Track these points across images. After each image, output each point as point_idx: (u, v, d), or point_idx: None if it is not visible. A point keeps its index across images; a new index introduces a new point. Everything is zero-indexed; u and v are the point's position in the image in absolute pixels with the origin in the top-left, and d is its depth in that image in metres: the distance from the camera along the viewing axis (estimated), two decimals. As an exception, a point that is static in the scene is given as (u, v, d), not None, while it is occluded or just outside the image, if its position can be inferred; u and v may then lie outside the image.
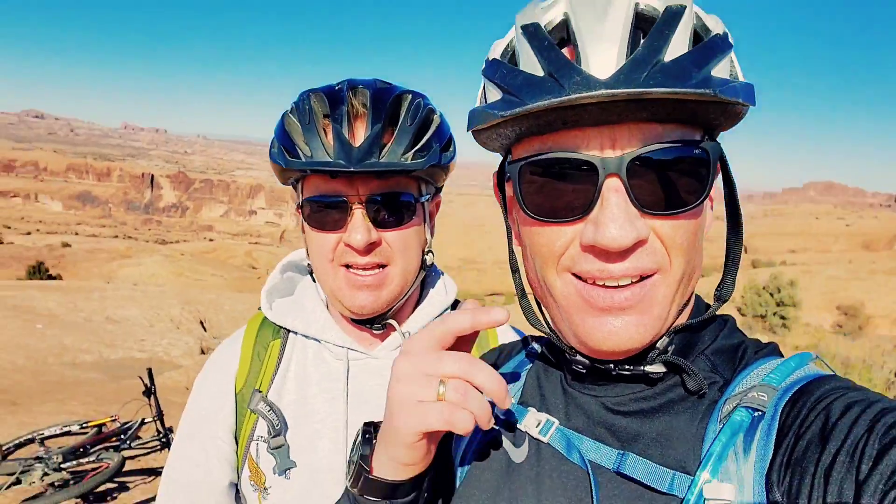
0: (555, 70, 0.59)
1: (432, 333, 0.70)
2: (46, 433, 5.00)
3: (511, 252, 0.79)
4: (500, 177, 0.75)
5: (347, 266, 1.05)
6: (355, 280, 1.05)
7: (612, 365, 0.70)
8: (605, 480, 0.67)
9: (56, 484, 4.09)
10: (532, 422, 0.77)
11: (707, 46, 0.60)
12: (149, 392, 4.89)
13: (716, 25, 0.64)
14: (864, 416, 0.57)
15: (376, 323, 1.13)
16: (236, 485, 1.16)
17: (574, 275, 0.66)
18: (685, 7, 0.62)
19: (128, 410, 5.43)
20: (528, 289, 0.78)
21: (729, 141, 0.73)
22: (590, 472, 0.68)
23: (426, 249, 1.12)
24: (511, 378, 0.87)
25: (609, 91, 0.56)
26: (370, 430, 0.79)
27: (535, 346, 0.90)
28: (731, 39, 0.63)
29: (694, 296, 0.73)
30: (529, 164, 0.65)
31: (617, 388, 0.71)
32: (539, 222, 0.66)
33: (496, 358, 0.95)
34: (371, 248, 1.03)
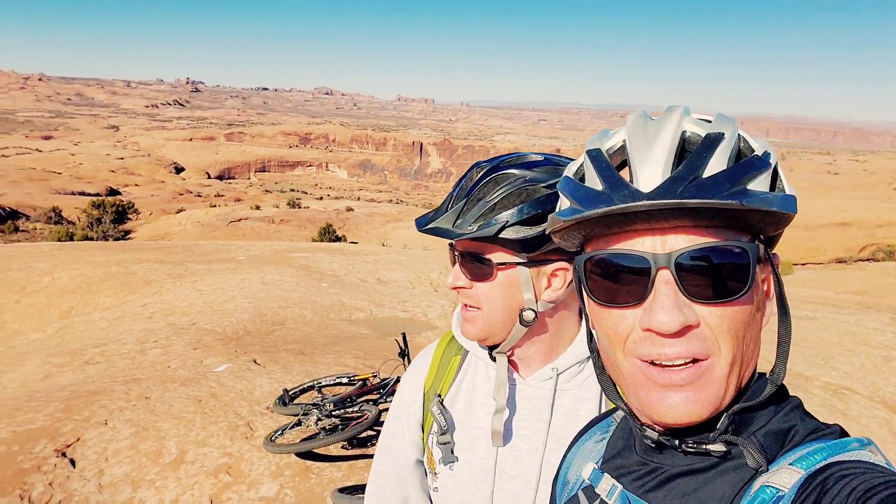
0: (609, 186, 0.74)
1: None
2: (324, 382, 5.81)
3: (590, 334, 0.89)
4: (575, 270, 0.85)
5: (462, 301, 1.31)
6: (463, 312, 1.30)
7: (677, 442, 0.78)
8: None
9: (327, 428, 4.76)
10: (605, 485, 0.88)
11: (743, 164, 0.73)
12: (403, 354, 5.45)
13: (759, 147, 0.76)
14: (854, 490, 0.63)
15: (490, 352, 1.33)
16: (422, 461, 1.45)
17: (638, 358, 0.76)
18: (723, 133, 0.74)
19: (387, 367, 6.09)
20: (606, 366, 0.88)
21: None
22: None
23: (525, 307, 1.25)
24: (597, 442, 0.99)
25: (651, 202, 0.69)
26: None
27: (619, 413, 1.00)
28: (772, 160, 0.75)
29: (756, 380, 0.81)
30: (593, 258, 0.79)
31: (677, 457, 0.81)
32: (604, 307, 0.78)
33: (592, 424, 1.06)
34: (461, 289, 1.27)
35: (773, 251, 0.81)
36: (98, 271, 12.48)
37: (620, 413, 0.99)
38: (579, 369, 1.27)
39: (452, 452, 1.34)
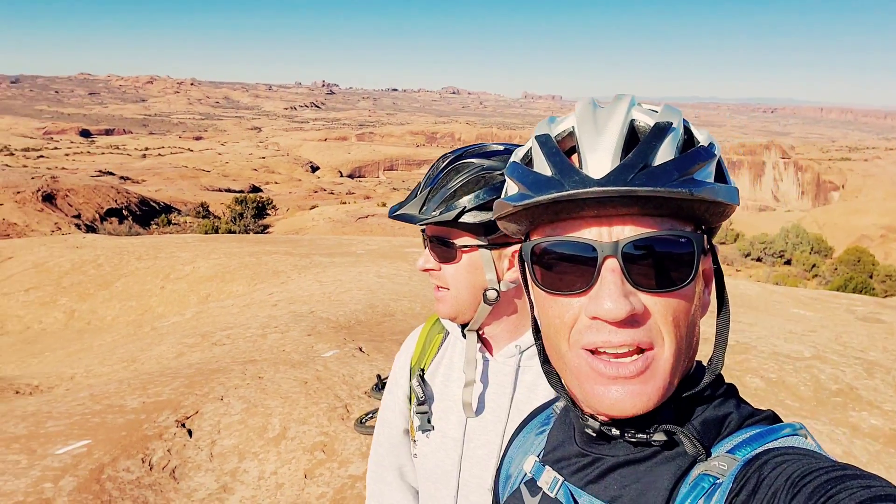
0: (559, 171, 0.73)
1: None
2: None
3: (535, 321, 0.88)
4: (521, 258, 0.85)
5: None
6: (434, 293, 1.40)
7: (617, 432, 0.78)
8: None
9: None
10: (547, 478, 0.89)
11: (691, 154, 0.73)
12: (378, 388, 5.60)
13: (704, 138, 0.77)
14: (791, 477, 0.64)
15: (462, 330, 1.41)
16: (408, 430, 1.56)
17: (583, 348, 0.75)
18: (671, 122, 0.74)
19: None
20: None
21: None
22: None
23: (488, 287, 1.33)
24: (538, 434, 1.00)
25: (601, 188, 0.69)
26: None
27: (559, 404, 1.01)
28: (716, 151, 0.76)
29: (695, 368, 0.83)
30: (540, 245, 0.78)
31: (618, 447, 0.81)
32: (550, 294, 0.78)
33: (533, 415, 1.07)
34: (430, 271, 1.37)
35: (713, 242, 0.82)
36: (233, 262, 13.47)
37: (560, 403, 1.00)
38: None
39: (429, 422, 1.43)
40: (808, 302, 12.85)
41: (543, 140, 0.79)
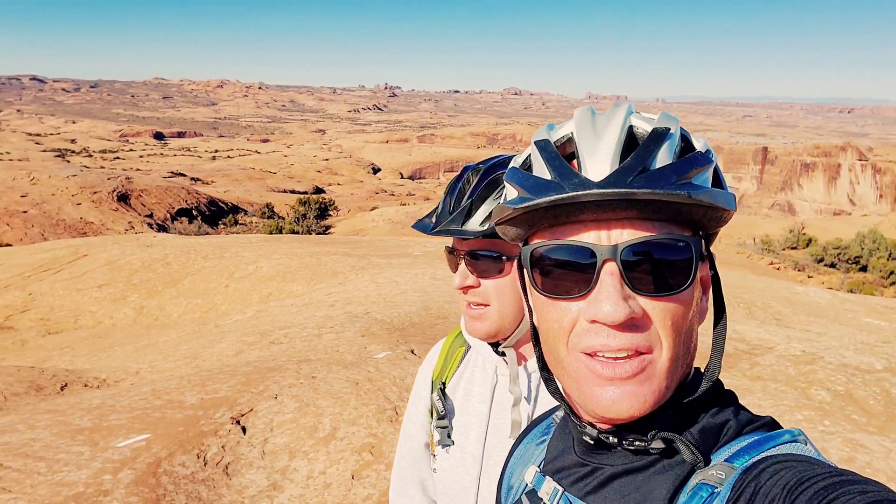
0: (558, 175, 0.74)
1: None
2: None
3: (534, 328, 0.87)
4: (519, 263, 0.86)
5: (465, 300, 1.36)
6: (468, 311, 1.35)
7: (615, 440, 0.78)
8: None
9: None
10: (547, 489, 0.88)
11: (689, 159, 0.73)
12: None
13: (701, 145, 0.77)
14: (788, 485, 0.64)
15: (495, 348, 1.38)
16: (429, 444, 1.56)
17: (581, 352, 0.75)
18: (669, 128, 0.75)
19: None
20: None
21: None
22: None
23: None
24: (539, 444, 1.00)
25: (601, 191, 0.69)
26: None
27: (558, 413, 1.00)
28: (713, 157, 0.76)
29: (692, 375, 0.82)
30: (539, 249, 0.78)
31: (616, 456, 0.80)
32: (549, 299, 0.78)
33: (533, 425, 1.06)
34: (469, 289, 1.32)
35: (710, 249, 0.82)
36: (294, 262, 13.76)
37: (560, 413, 0.99)
38: None
39: (449, 437, 1.42)
40: (882, 311, 12.21)
41: (543, 145, 0.79)
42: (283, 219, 45.61)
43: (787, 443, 0.75)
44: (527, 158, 0.83)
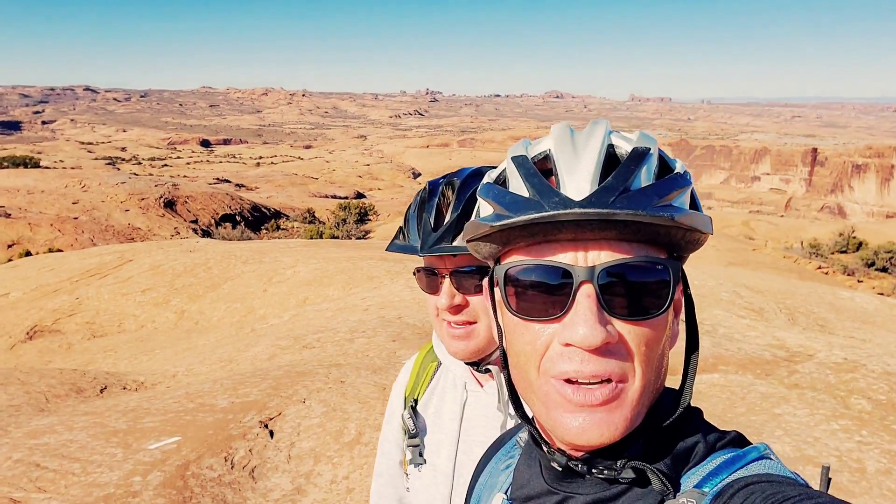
0: (537, 192, 0.72)
1: None
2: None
3: (503, 350, 0.84)
4: (491, 282, 0.84)
5: (447, 320, 1.32)
6: (451, 332, 1.31)
7: (584, 468, 0.76)
8: None
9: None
10: None
11: (669, 180, 0.73)
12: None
13: (679, 166, 0.77)
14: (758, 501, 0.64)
15: (478, 366, 1.35)
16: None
17: (553, 377, 0.73)
18: (648, 148, 0.74)
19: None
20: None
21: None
22: None
23: None
24: (504, 468, 0.96)
25: (582, 210, 0.67)
26: None
27: (522, 434, 0.96)
28: (690, 178, 0.75)
29: (662, 394, 0.80)
30: (514, 269, 0.75)
31: (587, 485, 0.78)
32: (522, 320, 0.75)
33: (497, 446, 1.03)
34: (458, 308, 1.28)
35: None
36: (331, 266, 13.92)
37: (523, 434, 0.96)
38: None
39: (421, 455, 1.41)
40: (935, 318, 11.74)
41: (520, 161, 0.77)
42: (324, 224, 46.16)
43: (755, 461, 0.74)
44: (502, 173, 0.80)
